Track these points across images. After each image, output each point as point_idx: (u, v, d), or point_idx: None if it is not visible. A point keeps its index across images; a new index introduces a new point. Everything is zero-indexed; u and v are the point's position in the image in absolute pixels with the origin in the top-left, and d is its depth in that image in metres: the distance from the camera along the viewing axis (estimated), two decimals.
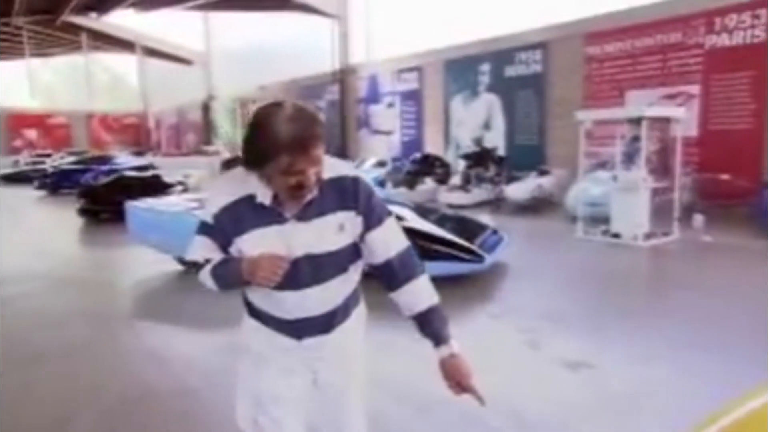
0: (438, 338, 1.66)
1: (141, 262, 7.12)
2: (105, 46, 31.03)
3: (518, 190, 10.64)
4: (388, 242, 1.66)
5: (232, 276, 1.63)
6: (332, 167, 1.57)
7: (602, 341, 4.13)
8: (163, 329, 4.80)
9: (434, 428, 2.94)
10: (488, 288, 5.63)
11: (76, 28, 27.62)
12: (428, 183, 12.02)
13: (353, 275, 1.73)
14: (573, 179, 10.10)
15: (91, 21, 27.26)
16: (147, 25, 29.13)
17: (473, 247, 5.74)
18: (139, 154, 25.72)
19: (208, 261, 1.67)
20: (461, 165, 13.67)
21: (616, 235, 7.74)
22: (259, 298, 1.69)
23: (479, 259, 5.64)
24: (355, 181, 1.61)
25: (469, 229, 6.37)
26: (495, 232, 6.61)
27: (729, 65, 9.94)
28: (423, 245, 5.46)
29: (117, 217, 9.37)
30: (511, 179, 11.38)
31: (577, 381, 3.51)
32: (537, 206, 10.47)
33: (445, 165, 13.14)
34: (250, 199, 1.57)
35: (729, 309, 4.78)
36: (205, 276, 1.68)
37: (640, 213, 7.57)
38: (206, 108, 30.96)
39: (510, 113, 13.79)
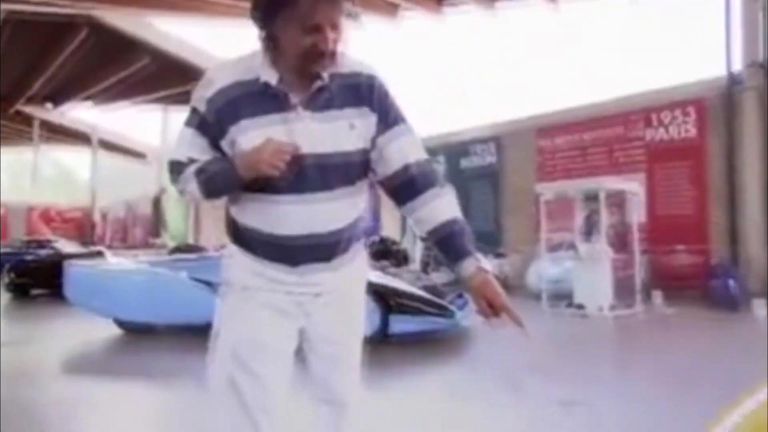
0: (462, 251, 1.41)
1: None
2: (57, 137, 30.62)
3: None
4: (405, 147, 1.45)
5: (223, 174, 1.36)
6: (345, 63, 1.41)
7: (583, 383, 3.91)
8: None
9: None
10: (461, 346, 5.40)
11: (29, 119, 27.28)
12: (385, 265, 11.86)
13: (360, 196, 1.50)
14: (528, 264, 10.21)
15: (46, 112, 27.06)
16: (102, 119, 29.15)
17: (443, 302, 5.52)
18: (83, 245, 24.52)
19: (192, 162, 1.41)
20: (417, 252, 13.64)
21: (581, 306, 7.67)
22: (251, 211, 1.41)
23: (450, 314, 5.40)
24: (371, 77, 1.44)
25: (436, 290, 6.19)
26: (461, 295, 6.46)
27: (668, 156, 10.65)
28: (393, 301, 5.25)
29: (52, 293, 8.61)
30: None
31: (571, 416, 3.23)
32: None
33: (401, 249, 13.12)
34: (252, 82, 1.36)
35: (698, 363, 4.72)
36: (187, 180, 1.40)
37: (604, 284, 7.59)
38: (157, 202, 30.37)
39: (465, 201, 14.10)
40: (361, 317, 1.55)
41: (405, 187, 1.44)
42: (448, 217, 1.43)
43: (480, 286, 1.36)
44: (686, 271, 9.63)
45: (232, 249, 1.47)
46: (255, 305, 1.41)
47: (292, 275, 1.41)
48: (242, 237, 1.45)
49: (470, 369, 4.57)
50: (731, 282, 7.60)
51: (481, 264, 1.38)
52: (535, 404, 3.47)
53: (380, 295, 5.22)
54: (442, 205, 1.44)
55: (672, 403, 3.42)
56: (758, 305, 7.08)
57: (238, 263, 1.45)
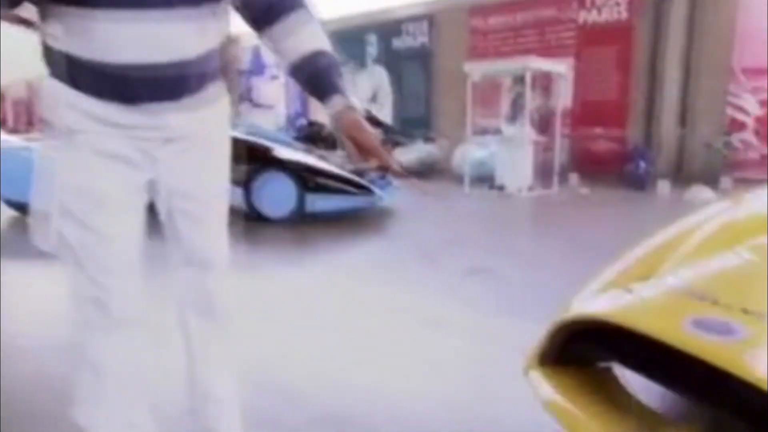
0: (330, 88, 1.21)
1: None
2: None
3: (406, 155, 10.62)
4: None
5: None
6: None
7: (496, 254, 4.03)
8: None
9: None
10: (382, 224, 5.44)
11: None
12: (310, 148, 11.55)
13: (212, 22, 1.22)
14: (456, 148, 10.26)
15: None
16: None
17: (363, 181, 5.43)
18: None
19: None
20: None
21: (501, 187, 7.86)
22: (70, 32, 1.10)
23: (371, 193, 5.34)
24: None
25: (356, 170, 6.07)
26: (383, 176, 6.41)
27: (598, 40, 10.57)
28: (312, 180, 5.10)
29: None
30: (397, 145, 11.32)
31: (478, 283, 3.32)
32: (425, 171, 10.49)
33: (331, 133, 12.80)
34: None
35: (602, 234, 4.96)
36: None
37: (525, 166, 7.75)
38: None
39: (397, 85, 13.74)
40: (225, 170, 1.36)
41: (263, 11, 1.20)
42: (313, 49, 1.21)
43: (346, 125, 1.19)
44: (604, 155, 9.97)
45: (52, 85, 1.19)
46: (87, 152, 1.16)
47: (133, 115, 1.17)
48: (63, 67, 1.17)
49: (389, 244, 4.61)
50: (642, 163, 7.95)
51: (350, 102, 1.20)
52: (449, 273, 3.55)
53: (297, 174, 5.03)
54: (307, 35, 1.22)
55: (576, 268, 3.57)
56: (662, 185, 7.49)
57: (61, 101, 1.18)
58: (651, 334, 1.24)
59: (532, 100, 7.95)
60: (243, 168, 4.88)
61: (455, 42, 12.45)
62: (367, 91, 14.28)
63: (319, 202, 5.01)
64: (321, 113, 15.12)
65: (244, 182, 4.90)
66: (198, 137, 1.27)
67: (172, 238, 1.34)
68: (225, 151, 1.36)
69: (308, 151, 7.85)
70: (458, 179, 9.03)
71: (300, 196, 4.91)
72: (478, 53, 12.08)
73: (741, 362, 1.05)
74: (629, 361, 1.39)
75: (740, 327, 1.13)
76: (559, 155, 8.51)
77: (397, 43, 13.74)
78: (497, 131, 8.63)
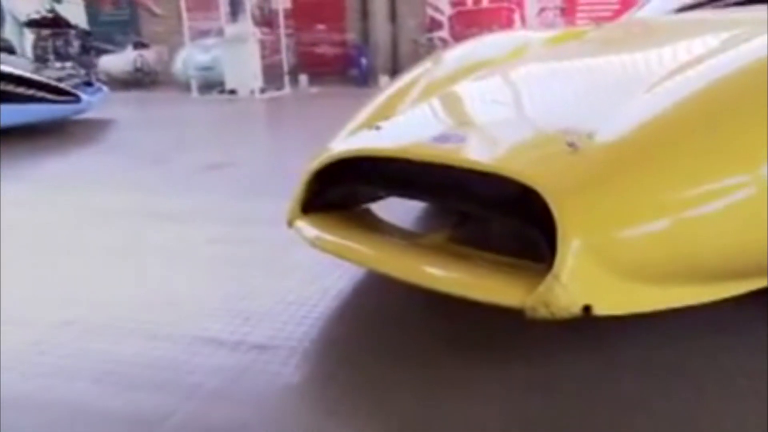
0: None
1: None
2: None
3: (117, 62, 9.28)
4: None
5: None
6: None
7: (234, 150, 3.92)
8: None
9: None
10: (98, 133, 4.77)
11: None
12: None
13: None
14: (175, 53, 9.37)
15: None
16: None
17: (64, 86, 4.56)
18: None
19: None
20: (28, 43, 10.94)
21: (233, 92, 7.54)
22: None
23: (75, 100, 4.52)
24: None
25: (54, 76, 5.08)
26: (90, 84, 5.51)
27: None
28: None
29: None
30: (102, 53, 9.79)
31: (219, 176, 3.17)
32: (141, 80, 9.36)
33: (3, 39, 10.29)
34: None
35: (340, 123, 5.21)
36: None
37: (253, 67, 7.52)
38: None
39: None
40: None
41: None
42: None
43: None
44: (329, 58, 10.23)
45: None
46: None
47: None
48: None
49: (111, 152, 4.06)
50: (363, 61, 8.44)
51: None
52: (185, 170, 3.29)
53: None
54: None
55: (315, 149, 3.70)
56: (383, 79, 8.13)
57: None
58: (403, 155, 1.35)
59: None
60: None
61: None
62: None
63: (5, 115, 4.00)
64: None
65: None
66: None
67: None
68: None
69: None
70: (183, 87, 8.33)
71: None
72: None
73: (469, 156, 1.24)
74: (386, 189, 1.49)
75: (464, 134, 1.33)
76: (288, 58, 8.45)
77: None
78: (220, 32, 8.10)
